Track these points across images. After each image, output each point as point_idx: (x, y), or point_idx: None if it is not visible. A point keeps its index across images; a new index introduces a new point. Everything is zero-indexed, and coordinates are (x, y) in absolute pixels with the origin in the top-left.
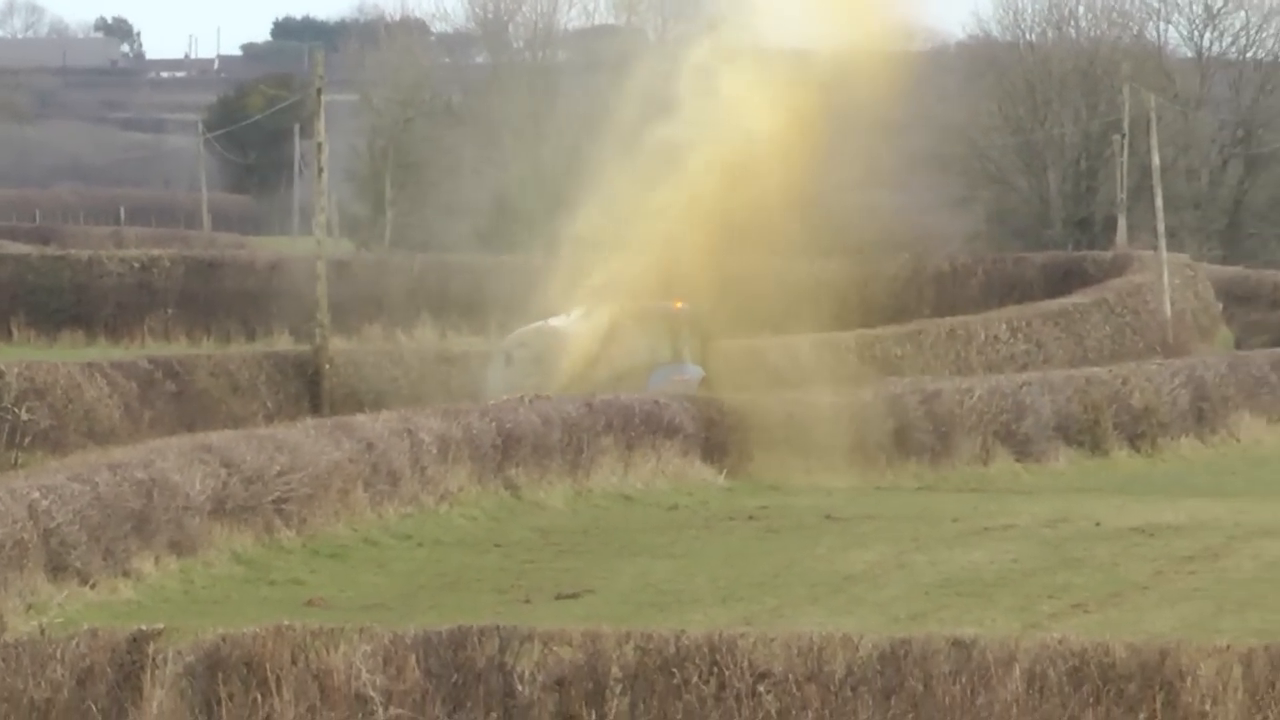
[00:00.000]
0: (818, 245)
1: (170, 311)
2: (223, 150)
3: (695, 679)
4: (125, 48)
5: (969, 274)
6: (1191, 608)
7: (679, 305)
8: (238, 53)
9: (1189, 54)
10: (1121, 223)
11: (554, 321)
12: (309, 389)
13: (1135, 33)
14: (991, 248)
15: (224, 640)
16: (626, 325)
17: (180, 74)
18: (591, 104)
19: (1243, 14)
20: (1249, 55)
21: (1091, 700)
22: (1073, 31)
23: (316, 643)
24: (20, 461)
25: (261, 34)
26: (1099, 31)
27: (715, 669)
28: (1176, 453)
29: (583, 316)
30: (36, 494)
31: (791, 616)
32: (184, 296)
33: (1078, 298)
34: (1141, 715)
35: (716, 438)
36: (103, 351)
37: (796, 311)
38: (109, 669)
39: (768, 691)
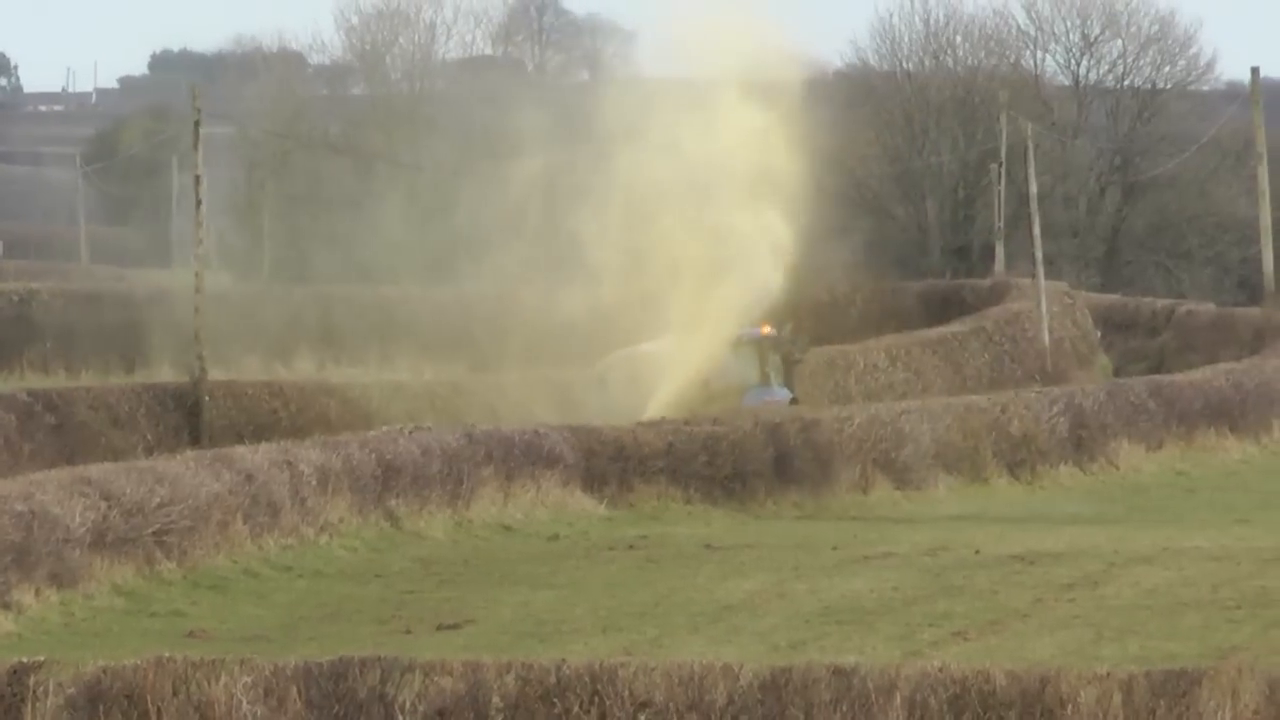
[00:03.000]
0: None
1: (49, 344)
2: (101, 183)
3: (576, 709)
4: (2, 81)
5: (848, 303)
6: (1071, 635)
7: (766, 330)
8: (115, 85)
9: (1066, 82)
10: (999, 251)
11: (645, 346)
12: (188, 421)
13: (1013, 61)
14: (870, 276)
15: (105, 672)
16: (720, 350)
17: (58, 107)
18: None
19: (1119, 42)
20: (1126, 83)
21: None
22: (950, 60)
23: (198, 674)
24: None
25: (139, 67)
26: (976, 60)
27: (596, 699)
28: (1056, 481)
29: (674, 342)
30: None
31: (672, 646)
32: (63, 329)
33: (956, 326)
34: None
35: (596, 467)
36: None
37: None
38: None
39: None
